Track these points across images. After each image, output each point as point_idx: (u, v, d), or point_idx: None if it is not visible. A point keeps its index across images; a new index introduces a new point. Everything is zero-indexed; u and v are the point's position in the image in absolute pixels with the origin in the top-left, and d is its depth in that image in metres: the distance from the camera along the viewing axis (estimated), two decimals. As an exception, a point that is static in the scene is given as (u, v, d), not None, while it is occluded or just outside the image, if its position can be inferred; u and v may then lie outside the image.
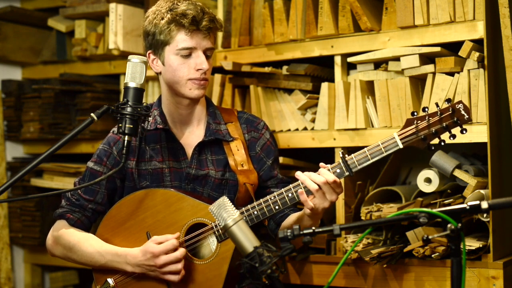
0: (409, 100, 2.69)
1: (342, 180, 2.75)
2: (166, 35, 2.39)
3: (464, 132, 2.17)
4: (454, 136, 2.19)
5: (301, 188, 2.24)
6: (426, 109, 2.18)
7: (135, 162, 2.47)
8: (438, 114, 2.17)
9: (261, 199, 2.29)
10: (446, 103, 2.17)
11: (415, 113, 2.19)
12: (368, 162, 2.21)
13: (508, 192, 2.74)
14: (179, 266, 2.26)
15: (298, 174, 2.25)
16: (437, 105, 2.18)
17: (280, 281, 1.81)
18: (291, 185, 2.27)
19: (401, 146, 2.19)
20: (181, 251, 2.27)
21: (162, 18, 2.39)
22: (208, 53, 2.44)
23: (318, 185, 2.20)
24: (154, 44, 2.44)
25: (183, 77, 2.41)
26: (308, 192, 2.23)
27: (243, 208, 2.30)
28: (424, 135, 2.19)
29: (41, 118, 3.59)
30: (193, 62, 2.41)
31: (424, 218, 1.73)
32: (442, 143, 2.19)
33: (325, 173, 2.21)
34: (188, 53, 2.40)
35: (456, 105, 2.18)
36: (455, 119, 2.16)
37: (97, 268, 2.41)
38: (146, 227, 2.36)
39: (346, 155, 2.23)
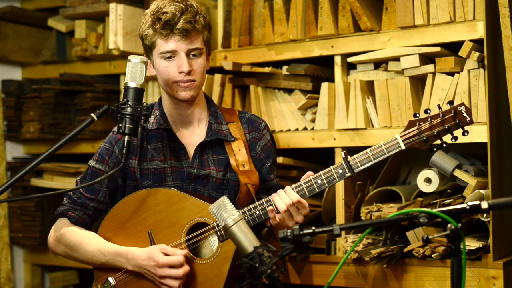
0: (409, 100, 2.69)
1: (341, 183, 2.78)
2: (149, 40, 2.41)
3: (466, 134, 2.18)
4: (456, 138, 2.20)
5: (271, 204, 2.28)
6: (428, 111, 2.19)
7: (137, 162, 2.47)
8: (440, 116, 2.18)
9: (263, 199, 2.30)
10: (448, 105, 2.18)
11: (417, 115, 2.19)
12: (370, 163, 2.22)
13: (508, 192, 2.74)
14: (176, 284, 2.26)
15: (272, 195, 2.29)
16: (439, 107, 2.19)
17: (280, 281, 1.81)
18: (293, 185, 2.27)
19: (403, 147, 2.20)
20: (184, 270, 2.26)
21: (145, 23, 2.41)
22: (195, 53, 2.41)
23: (285, 206, 2.24)
24: (145, 49, 2.46)
25: (169, 80, 2.41)
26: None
27: (245, 208, 2.30)
28: (426, 137, 2.19)
29: (41, 118, 3.58)
30: (175, 64, 2.39)
31: (424, 218, 1.74)
32: (444, 145, 2.20)
33: (290, 193, 2.24)
34: (170, 55, 2.39)
35: (458, 107, 2.18)
36: (457, 121, 2.17)
37: (98, 266, 2.41)
38: (147, 226, 2.36)
39: (348, 156, 2.23)
